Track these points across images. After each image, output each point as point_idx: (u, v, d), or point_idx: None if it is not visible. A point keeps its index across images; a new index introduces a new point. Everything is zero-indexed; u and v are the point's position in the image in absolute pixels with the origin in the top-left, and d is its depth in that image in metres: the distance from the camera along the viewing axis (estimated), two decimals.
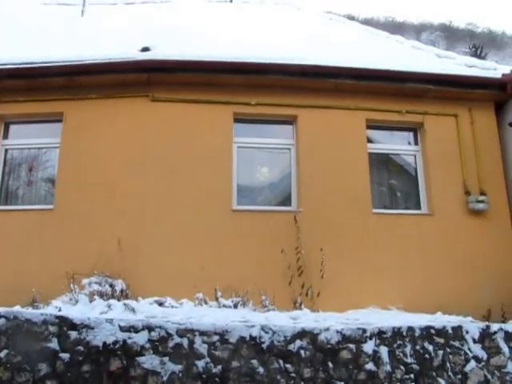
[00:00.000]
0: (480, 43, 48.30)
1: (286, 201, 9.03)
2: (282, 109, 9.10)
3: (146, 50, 9.25)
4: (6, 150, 9.15)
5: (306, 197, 8.71)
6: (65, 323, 5.04)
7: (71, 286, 7.14)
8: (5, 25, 11.99)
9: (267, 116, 9.19)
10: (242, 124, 9.17)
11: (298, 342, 5.29)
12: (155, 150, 8.73)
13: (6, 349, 4.86)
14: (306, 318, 6.29)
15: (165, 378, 4.93)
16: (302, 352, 5.25)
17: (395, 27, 64.22)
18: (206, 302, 7.09)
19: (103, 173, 8.61)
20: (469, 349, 5.73)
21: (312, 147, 8.96)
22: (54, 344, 4.94)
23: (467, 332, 5.83)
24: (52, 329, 4.99)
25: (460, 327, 5.86)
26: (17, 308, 5.71)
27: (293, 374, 5.16)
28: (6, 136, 9.18)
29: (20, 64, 8.61)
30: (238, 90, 9.01)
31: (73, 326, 5.04)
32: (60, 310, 5.95)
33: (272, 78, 8.94)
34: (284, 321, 5.87)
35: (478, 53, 40.63)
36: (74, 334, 5.00)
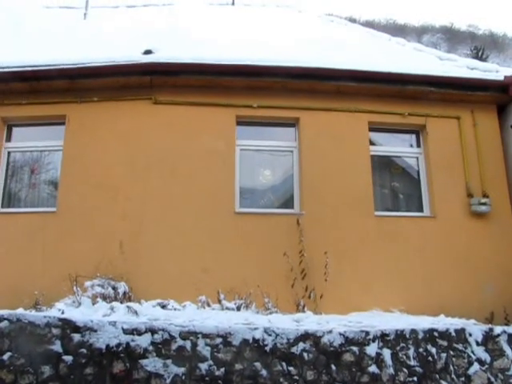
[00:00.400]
0: (481, 45, 48.37)
1: (289, 203, 9.03)
2: (284, 111, 9.11)
3: (148, 52, 9.26)
4: (9, 153, 9.17)
5: (309, 199, 8.71)
6: (68, 326, 5.05)
7: (74, 288, 7.15)
8: (8, 28, 12.03)
9: (269, 118, 9.20)
10: (244, 126, 9.17)
11: (301, 345, 5.30)
12: (158, 152, 8.75)
13: (9, 351, 4.88)
14: (309, 321, 6.28)
15: (168, 381, 4.94)
16: (305, 354, 5.26)
17: (396, 29, 64.09)
18: (208, 305, 7.08)
19: (106, 175, 8.63)
20: (472, 351, 5.74)
21: (314, 150, 8.97)
22: (57, 346, 4.96)
23: (470, 335, 5.84)
24: (55, 331, 5.01)
25: (463, 330, 5.86)
26: (20, 310, 5.69)
27: (296, 377, 5.16)
28: (8, 139, 9.20)
29: (23, 67, 8.63)
30: (240, 92, 9.02)
31: (76, 328, 5.05)
32: (63, 313, 5.96)
33: (274, 80, 8.95)
34: (287, 323, 5.87)
35: (479, 55, 40.70)
36: (77, 337, 5.01)
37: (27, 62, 8.72)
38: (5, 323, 4.97)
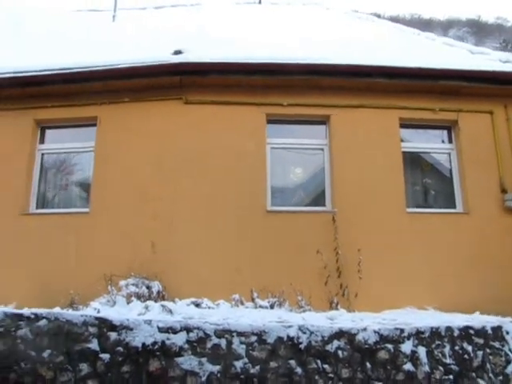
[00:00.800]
0: (510, 38, 47.55)
1: (319, 201, 9.01)
2: (315, 109, 9.07)
3: (178, 52, 9.30)
4: (43, 155, 9.32)
5: (340, 197, 8.66)
6: (104, 324, 5.11)
7: (109, 287, 7.24)
8: (40, 32, 12.22)
9: (300, 116, 9.17)
10: (274, 125, 9.16)
11: (336, 343, 5.27)
12: (188, 152, 8.79)
13: (48, 349, 4.95)
14: (343, 318, 6.25)
15: (203, 379, 4.96)
16: (340, 352, 5.24)
17: (422, 24, 63.23)
18: (242, 303, 7.08)
19: (137, 176, 8.72)
20: (509, 350, 5.65)
21: (345, 147, 8.92)
22: (94, 345, 5.01)
23: (507, 332, 5.74)
24: (92, 330, 5.07)
25: (500, 327, 5.77)
26: (57, 309, 5.79)
27: (331, 375, 5.14)
28: (42, 141, 9.36)
29: (55, 70, 8.75)
30: (270, 90, 9.01)
31: (112, 327, 5.10)
32: (99, 312, 6.04)
33: (303, 78, 8.92)
34: (321, 321, 5.83)
35: (508, 48, 39.99)
36: (113, 335, 5.07)
37: (60, 64, 8.83)
38: (43, 322, 5.05)
